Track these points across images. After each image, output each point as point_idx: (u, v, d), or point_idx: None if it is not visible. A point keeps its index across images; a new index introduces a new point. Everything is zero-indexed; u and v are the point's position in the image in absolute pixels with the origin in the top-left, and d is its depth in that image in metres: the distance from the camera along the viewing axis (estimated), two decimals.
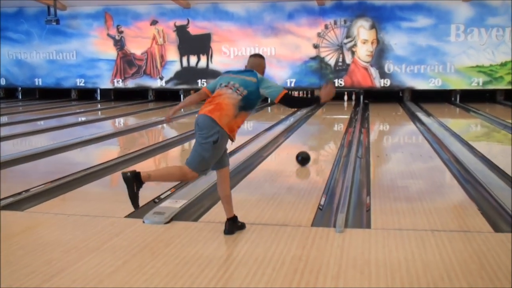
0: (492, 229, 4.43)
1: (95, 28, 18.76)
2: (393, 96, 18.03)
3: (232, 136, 4.19)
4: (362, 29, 17.36)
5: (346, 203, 5.08)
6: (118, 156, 8.17)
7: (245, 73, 4.42)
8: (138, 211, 4.55)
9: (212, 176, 6.35)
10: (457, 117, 14.70)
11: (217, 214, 4.78)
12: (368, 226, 4.57)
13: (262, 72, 4.53)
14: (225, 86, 4.29)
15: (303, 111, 14.92)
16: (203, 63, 18.23)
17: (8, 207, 5.12)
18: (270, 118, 14.42)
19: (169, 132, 11.76)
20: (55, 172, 6.75)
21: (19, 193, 5.62)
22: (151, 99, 19.04)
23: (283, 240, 4.15)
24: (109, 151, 9.20)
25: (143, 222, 4.55)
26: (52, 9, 17.62)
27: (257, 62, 4.58)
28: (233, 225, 4.34)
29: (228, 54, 18.07)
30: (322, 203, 5.29)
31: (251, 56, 4.67)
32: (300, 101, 4.78)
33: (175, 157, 8.69)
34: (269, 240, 4.16)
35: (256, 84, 4.28)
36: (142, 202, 5.16)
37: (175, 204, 4.98)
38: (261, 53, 17.80)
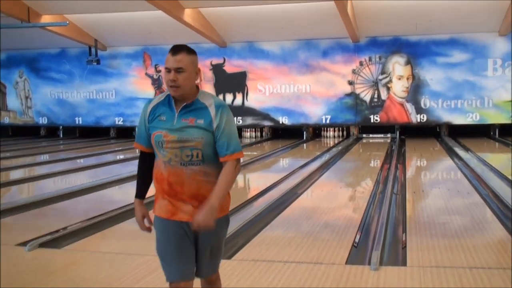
0: None
1: (134, 68, 19.21)
2: (430, 131, 17.85)
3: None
4: (397, 65, 17.34)
5: (381, 240, 5.02)
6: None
7: None
8: None
9: (245, 214, 6.41)
10: (496, 152, 14.43)
11: (251, 252, 4.78)
12: (404, 263, 4.50)
13: None
14: None
15: (339, 147, 14.89)
16: (238, 101, 18.43)
17: (46, 244, 5.22)
18: (305, 155, 14.42)
19: None
20: (94, 210, 6.86)
21: (57, 231, 5.73)
22: None
23: (317, 279, 4.12)
24: None
25: None
26: (93, 50, 18.16)
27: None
28: None
29: (263, 92, 18.23)
30: (356, 240, 5.24)
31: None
32: None
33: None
34: (303, 278, 4.14)
35: None
36: None
37: None
38: (296, 90, 18.28)
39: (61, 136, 20.56)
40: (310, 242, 5.20)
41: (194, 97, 2.87)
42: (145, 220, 3.02)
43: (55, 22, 15.54)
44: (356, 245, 5.09)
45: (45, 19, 15.61)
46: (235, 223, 5.75)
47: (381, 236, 5.14)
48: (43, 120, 20.43)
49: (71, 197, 8.00)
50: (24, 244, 5.15)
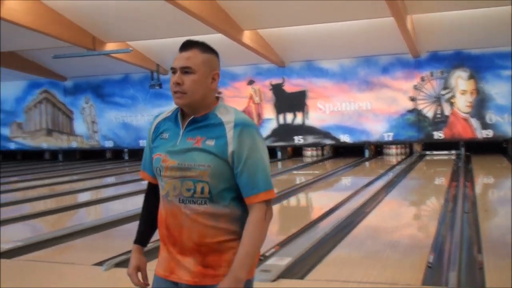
0: None
1: None
2: (496, 147, 17.32)
3: None
4: (460, 80, 16.98)
5: (457, 260, 4.89)
6: None
7: None
8: None
9: (313, 234, 6.38)
10: None
11: (323, 272, 4.75)
12: (483, 284, 4.36)
13: None
14: None
15: (403, 165, 14.63)
16: (299, 120, 18.45)
17: (121, 264, 5.34)
18: (368, 173, 14.25)
19: None
20: None
21: (130, 251, 5.83)
22: None
23: None
24: None
25: None
26: (155, 74, 18.64)
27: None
28: None
29: (323, 110, 18.19)
30: (430, 260, 5.13)
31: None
32: None
33: (273, 216, 8.69)
34: None
35: None
36: None
37: (280, 261, 5.00)
38: (357, 108, 18.10)
39: (126, 158, 21.06)
40: (382, 262, 5.12)
41: (208, 110, 2.13)
42: (139, 274, 2.29)
43: (119, 49, 16.04)
44: (430, 265, 4.98)
45: (109, 46, 16.14)
46: (304, 242, 5.74)
47: (456, 257, 5.02)
48: (108, 144, 21.05)
49: (138, 218, 8.12)
50: (100, 264, 5.29)
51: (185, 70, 2.06)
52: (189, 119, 2.11)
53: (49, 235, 6.77)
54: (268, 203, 2.10)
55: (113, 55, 16.43)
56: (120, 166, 18.39)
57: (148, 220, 2.32)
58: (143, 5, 12.88)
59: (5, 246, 5.94)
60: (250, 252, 2.02)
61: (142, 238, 2.34)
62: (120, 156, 21.26)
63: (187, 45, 2.10)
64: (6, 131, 22.38)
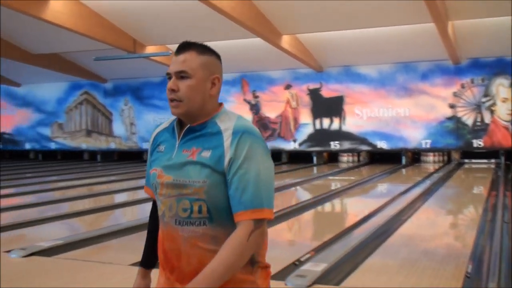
0: None
1: (233, 94, 19.63)
2: None
3: None
4: (501, 87, 16.65)
5: (497, 271, 4.80)
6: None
7: None
8: (280, 272, 4.62)
9: (349, 240, 6.34)
10: None
11: (358, 279, 4.72)
12: None
13: None
14: None
15: (440, 173, 14.42)
16: (335, 125, 18.36)
17: (156, 266, 5.39)
18: (405, 181, 14.09)
19: (302, 194, 11.85)
20: None
21: None
22: (284, 162, 19.32)
23: None
24: None
25: (285, 284, 4.60)
26: None
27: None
28: None
29: (361, 116, 18.07)
30: (469, 270, 5.04)
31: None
32: None
33: (308, 221, 8.69)
34: None
35: None
36: (283, 264, 5.25)
37: (316, 267, 4.98)
38: (395, 114, 17.90)
39: None
40: (419, 270, 5.06)
41: (208, 117, 1.90)
42: None
43: (159, 52, 16.24)
44: (469, 275, 4.90)
45: (149, 49, 16.36)
46: (340, 249, 5.71)
47: (496, 267, 4.93)
48: (146, 145, 21.28)
49: None
50: (136, 264, 5.34)
51: (181, 75, 1.86)
52: (185, 128, 1.89)
53: (87, 234, 6.89)
54: (258, 223, 1.78)
55: (152, 58, 16.65)
56: None
57: (152, 240, 2.07)
58: (184, 9, 13.02)
59: (45, 244, 6.08)
60: (216, 269, 1.71)
61: (147, 260, 2.13)
62: None
63: (183, 47, 1.91)
64: (47, 131, 22.91)
